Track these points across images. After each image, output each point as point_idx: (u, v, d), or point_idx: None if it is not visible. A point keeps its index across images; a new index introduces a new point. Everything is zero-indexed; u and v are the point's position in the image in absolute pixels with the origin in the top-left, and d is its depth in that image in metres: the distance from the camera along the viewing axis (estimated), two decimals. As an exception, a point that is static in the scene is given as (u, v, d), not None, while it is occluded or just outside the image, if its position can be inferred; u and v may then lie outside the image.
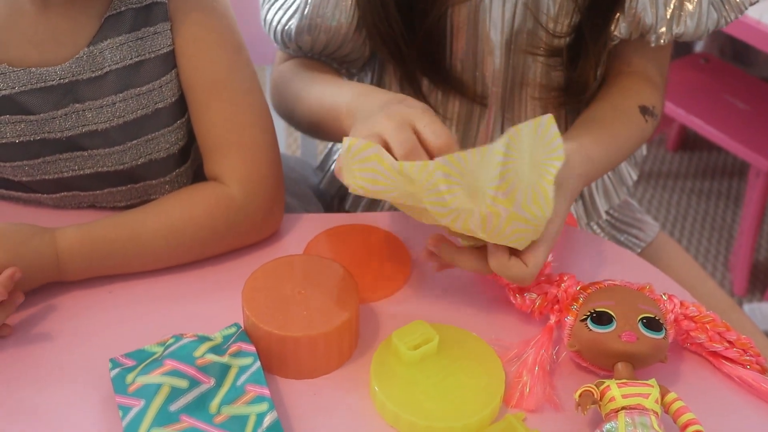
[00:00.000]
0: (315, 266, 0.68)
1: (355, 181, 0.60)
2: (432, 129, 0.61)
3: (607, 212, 0.95)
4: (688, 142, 2.19)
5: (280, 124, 1.18)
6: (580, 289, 0.65)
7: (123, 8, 0.73)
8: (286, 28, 0.81)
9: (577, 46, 0.80)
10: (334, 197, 1.01)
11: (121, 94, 0.73)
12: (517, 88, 0.84)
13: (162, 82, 0.74)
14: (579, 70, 0.80)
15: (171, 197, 0.74)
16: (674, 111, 1.82)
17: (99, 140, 0.74)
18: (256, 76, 0.77)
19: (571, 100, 0.84)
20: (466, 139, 0.87)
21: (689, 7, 0.77)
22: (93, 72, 0.72)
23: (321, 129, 0.78)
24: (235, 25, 0.77)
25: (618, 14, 0.78)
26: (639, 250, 0.96)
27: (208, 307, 0.70)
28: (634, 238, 0.97)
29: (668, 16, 0.77)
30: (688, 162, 2.16)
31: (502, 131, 0.85)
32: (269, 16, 0.83)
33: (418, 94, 0.84)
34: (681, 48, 2.00)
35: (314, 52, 0.83)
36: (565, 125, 0.87)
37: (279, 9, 0.83)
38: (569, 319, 0.64)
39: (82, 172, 0.75)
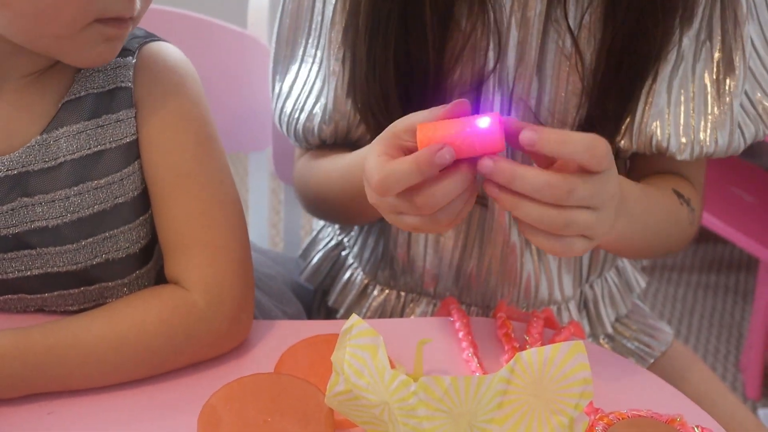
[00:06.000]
0: (286, 387, 0.60)
1: (342, 363, 0.54)
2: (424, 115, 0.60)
3: (613, 324, 0.88)
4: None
5: (261, 215, 1.12)
6: (598, 418, 0.57)
7: (83, 93, 0.67)
8: (308, 125, 0.79)
9: None
10: (317, 290, 0.93)
11: (76, 188, 0.66)
12: None
13: (123, 174, 0.67)
14: None
15: (122, 301, 0.67)
16: (678, 203, 1.76)
17: (49, 237, 0.66)
18: (228, 169, 0.71)
19: None
20: (469, 235, 0.80)
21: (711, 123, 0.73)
22: (45, 162, 0.65)
23: (355, 193, 0.72)
24: (207, 113, 0.71)
25: (624, 131, 0.73)
26: (652, 360, 0.88)
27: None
28: (645, 346, 0.88)
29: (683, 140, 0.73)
30: (694, 255, 2.09)
31: (510, 232, 0.79)
32: (286, 116, 0.80)
33: None
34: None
35: (337, 138, 0.80)
36: None
37: (297, 109, 0.79)
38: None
39: (29, 273, 0.67)
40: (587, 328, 0.86)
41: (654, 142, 0.73)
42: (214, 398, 0.58)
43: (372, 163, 0.60)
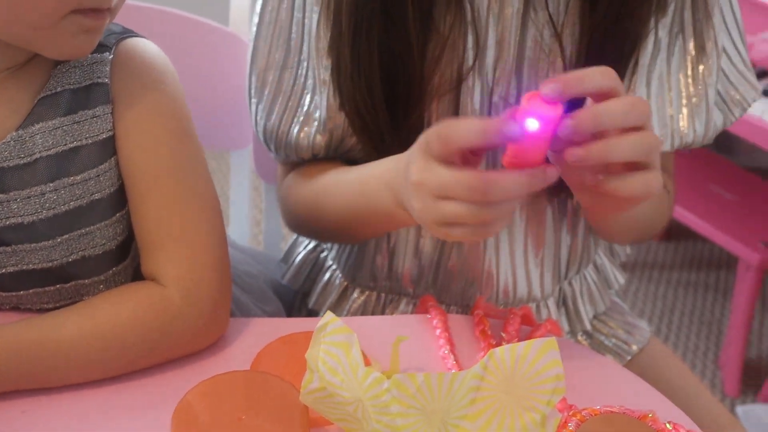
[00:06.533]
0: (261, 385, 0.59)
1: (316, 361, 0.54)
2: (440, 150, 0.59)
3: (591, 321, 0.88)
4: (674, 232, 2.14)
5: (243, 212, 1.11)
6: (571, 414, 0.57)
7: (59, 89, 0.66)
8: (301, 136, 0.77)
9: None
10: (297, 292, 0.93)
11: (52, 184, 0.65)
12: None
13: (100, 170, 0.66)
14: None
15: (99, 297, 0.66)
16: (659, 201, 1.77)
17: (24, 234, 0.65)
18: (205, 165, 0.70)
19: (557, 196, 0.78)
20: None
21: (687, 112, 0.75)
22: (21, 158, 0.65)
23: (364, 212, 0.73)
24: (185, 109, 0.70)
25: None
26: (629, 357, 0.88)
27: (136, 429, 0.60)
28: (623, 342, 0.89)
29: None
30: (674, 252, 2.10)
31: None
32: (274, 132, 0.79)
33: None
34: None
35: (329, 150, 0.78)
36: (553, 217, 0.81)
37: (286, 122, 0.78)
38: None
39: (4, 270, 0.67)
40: (566, 325, 0.87)
41: None
42: (189, 395, 0.58)
43: (418, 153, 0.61)
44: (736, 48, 0.77)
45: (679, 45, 0.74)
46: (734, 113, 0.78)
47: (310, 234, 0.86)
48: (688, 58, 0.74)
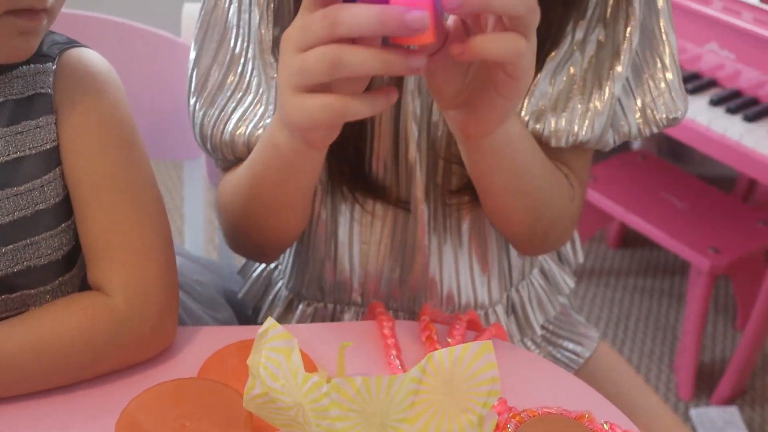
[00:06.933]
0: (206, 392, 0.60)
1: (258, 366, 0.54)
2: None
3: (542, 326, 0.89)
4: (629, 239, 2.17)
5: (197, 222, 1.11)
6: (511, 416, 0.58)
7: (2, 99, 0.66)
8: (236, 133, 0.74)
9: None
10: (252, 309, 0.93)
11: (-5, 194, 0.65)
12: (439, 195, 0.78)
13: (44, 180, 0.66)
14: None
15: (43, 308, 0.66)
16: (613, 208, 1.80)
17: (-32, 246, 0.65)
18: (151, 173, 0.70)
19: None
20: (393, 243, 0.80)
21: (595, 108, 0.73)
22: (-38, 169, 0.65)
23: (265, 174, 0.69)
24: (128, 117, 0.70)
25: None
26: (577, 367, 0.90)
27: (81, 439, 0.60)
28: (572, 353, 0.90)
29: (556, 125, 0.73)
30: (630, 259, 2.13)
31: (430, 239, 0.79)
32: (209, 128, 0.75)
33: (343, 196, 0.78)
34: (619, 145, 2.01)
35: None
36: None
37: (222, 120, 0.75)
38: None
39: (-53, 282, 0.66)
40: (516, 332, 0.87)
41: (530, 128, 0.73)
42: (132, 404, 0.58)
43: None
44: (674, 63, 0.76)
45: (592, 42, 0.73)
46: (648, 129, 0.76)
47: (239, 236, 0.80)
48: (597, 58, 0.73)
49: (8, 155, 0.65)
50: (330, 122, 0.57)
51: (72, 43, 0.70)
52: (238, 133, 0.74)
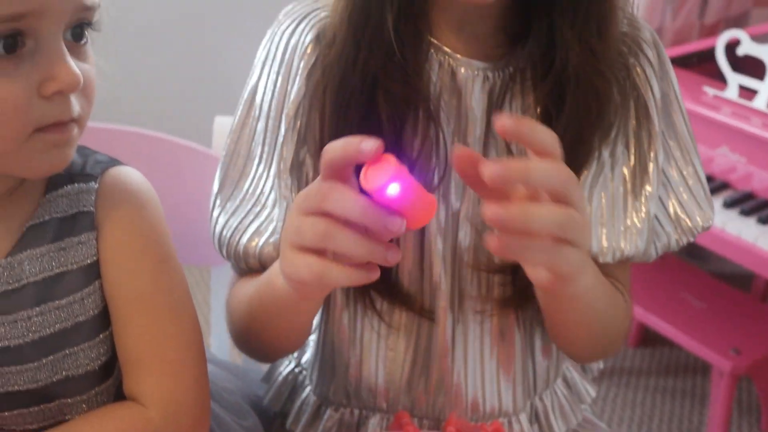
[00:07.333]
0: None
1: None
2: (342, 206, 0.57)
3: (565, 437, 0.90)
4: (649, 338, 2.16)
5: (223, 326, 1.13)
6: None
7: (47, 217, 0.69)
8: (249, 245, 0.78)
9: None
10: (277, 415, 0.93)
11: (38, 308, 0.68)
12: (465, 302, 0.81)
13: (84, 294, 0.69)
14: (521, 281, 0.77)
15: (80, 419, 0.68)
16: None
17: (11, 357, 0.67)
18: (186, 286, 0.73)
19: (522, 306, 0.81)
20: (417, 351, 0.82)
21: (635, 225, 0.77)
22: (9, 284, 0.68)
23: (261, 305, 0.74)
24: (165, 233, 0.74)
25: None
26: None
27: None
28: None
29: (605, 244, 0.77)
30: (650, 358, 2.11)
31: (454, 346, 0.81)
32: (227, 237, 0.80)
33: (367, 305, 0.81)
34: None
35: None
36: (520, 331, 0.83)
37: (240, 230, 0.79)
38: None
39: (-10, 392, 0.68)
40: (538, 441, 0.88)
41: None
42: None
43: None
44: (696, 173, 0.81)
45: (622, 161, 0.78)
46: (685, 238, 0.82)
47: (246, 342, 0.83)
48: (629, 176, 0.78)
49: (52, 270, 0.68)
50: (311, 281, 0.60)
51: (113, 162, 0.74)
52: (251, 245, 0.78)
